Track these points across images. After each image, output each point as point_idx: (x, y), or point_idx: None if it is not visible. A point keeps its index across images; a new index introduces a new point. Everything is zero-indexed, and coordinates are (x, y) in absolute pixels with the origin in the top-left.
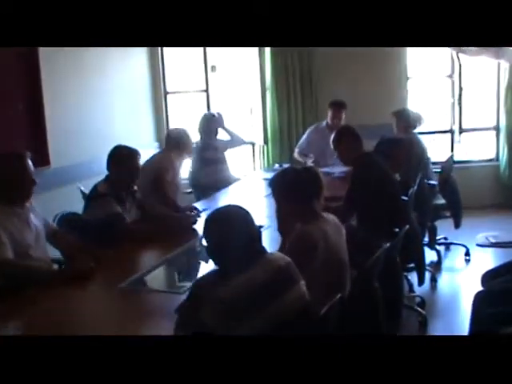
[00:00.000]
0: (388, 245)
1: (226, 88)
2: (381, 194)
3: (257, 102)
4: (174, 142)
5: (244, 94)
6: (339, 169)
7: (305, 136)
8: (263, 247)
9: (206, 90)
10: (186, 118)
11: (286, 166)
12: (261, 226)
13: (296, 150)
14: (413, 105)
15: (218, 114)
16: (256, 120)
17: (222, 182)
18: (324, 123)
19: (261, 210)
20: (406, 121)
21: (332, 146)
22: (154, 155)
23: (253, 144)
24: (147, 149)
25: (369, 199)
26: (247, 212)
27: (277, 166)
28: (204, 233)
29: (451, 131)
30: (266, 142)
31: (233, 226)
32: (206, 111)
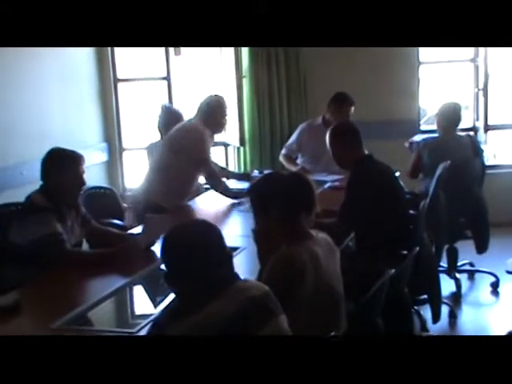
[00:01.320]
0: (393, 272)
1: (192, 75)
2: (384, 207)
3: (231, 94)
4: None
5: (215, 83)
6: (335, 177)
7: (295, 135)
8: (235, 274)
9: (167, 78)
10: (141, 112)
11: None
12: (233, 248)
13: (282, 152)
14: (426, 97)
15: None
16: (230, 115)
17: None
18: (320, 119)
19: (234, 227)
20: (447, 119)
21: (332, 148)
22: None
23: (225, 145)
24: (92, 151)
25: (369, 214)
26: (216, 229)
27: (256, 173)
28: (161, 255)
29: (474, 129)
30: (242, 143)
31: (196, 246)
32: (167, 103)
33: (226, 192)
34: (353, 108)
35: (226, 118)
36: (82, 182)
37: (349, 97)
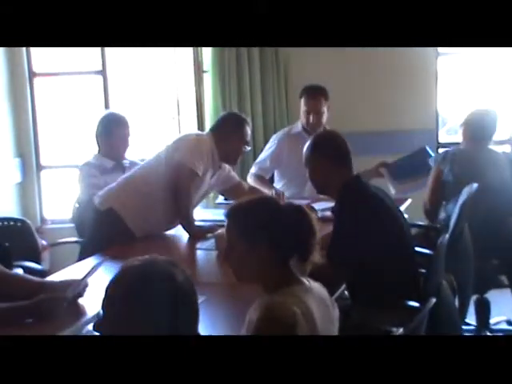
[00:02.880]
0: (401, 331)
1: (134, 69)
2: (381, 244)
3: (188, 93)
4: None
5: (166, 79)
6: (325, 204)
7: (268, 148)
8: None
9: (103, 72)
10: (67, 117)
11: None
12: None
13: (252, 171)
14: (446, 96)
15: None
16: (186, 122)
17: None
18: (299, 126)
19: (198, 269)
20: (475, 128)
21: (308, 166)
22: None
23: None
24: (1, 170)
25: (361, 254)
26: (181, 271)
27: (221, 199)
28: (103, 306)
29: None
30: None
31: (151, 294)
32: (109, 109)
33: (188, 225)
34: (325, 103)
35: (244, 147)
36: None
37: (318, 88)
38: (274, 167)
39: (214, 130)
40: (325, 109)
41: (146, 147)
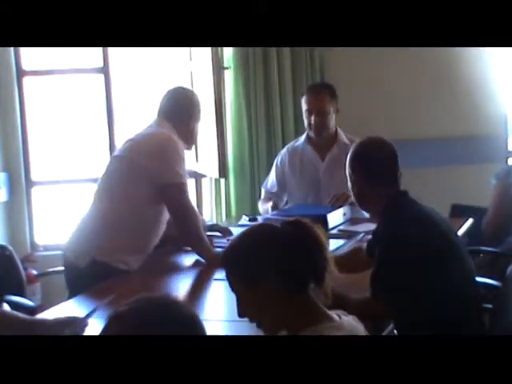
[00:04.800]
0: None
1: (142, 66)
2: (437, 273)
3: (205, 94)
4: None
5: (179, 77)
6: (359, 226)
7: (273, 169)
8: None
9: (105, 69)
10: (62, 124)
11: (262, 219)
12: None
13: (262, 197)
14: None
15: None
16: (205, 126)
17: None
18: (302, 137)
19: (212, 307)
20: None
21: (348, 179)
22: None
23: (197, 177)
24: None
25: (412, 284)
26: (191, 316)
27: (245, 219)
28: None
29: None
30: (222, 173)
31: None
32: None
33: (203, 249)
34: (330, 101)
35: (198, 123)
36: None
37: (324, 83)
38: (281, 190)
39: (167, 114)
40: (331, 109)
41: None
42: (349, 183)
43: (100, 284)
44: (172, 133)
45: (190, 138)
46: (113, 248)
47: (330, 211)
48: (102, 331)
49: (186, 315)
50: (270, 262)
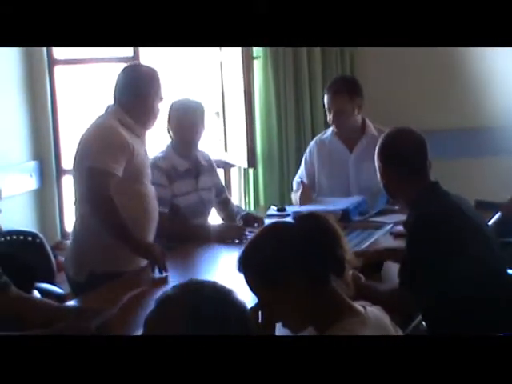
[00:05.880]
0: None
1: (171, 55)
2: (468, 265)
3: (234, 84)
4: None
5: (208, 67)
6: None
7: (303, 161)
8: None
9: (134, 58)
10: (92, 111)
11: (292, 208)
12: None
13: (294, 187)
14: None
15: None
16: (233, 117)
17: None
18: (330, 130)
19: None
20: None
21: (377, 170)
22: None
23: (226, 167)
24: (14, 173)
25: (442, 276)
26: (240, 303)
27: (273, 209)
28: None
29: None
30: (252, 163)
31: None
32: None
33: (128, 239)
34: (350, 99)
35: (155, 101)
36: None
37: (345, 79)
38: (311, 182)
39: (115, 97)
40: (350, 108)
41: None
42: (378, 174)
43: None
44: (116, 120)
45: (143, 117)
46: (107, 254)
47: (355, 204)
48: (151, 313)
49: (236, 301)
50: (289, 260)
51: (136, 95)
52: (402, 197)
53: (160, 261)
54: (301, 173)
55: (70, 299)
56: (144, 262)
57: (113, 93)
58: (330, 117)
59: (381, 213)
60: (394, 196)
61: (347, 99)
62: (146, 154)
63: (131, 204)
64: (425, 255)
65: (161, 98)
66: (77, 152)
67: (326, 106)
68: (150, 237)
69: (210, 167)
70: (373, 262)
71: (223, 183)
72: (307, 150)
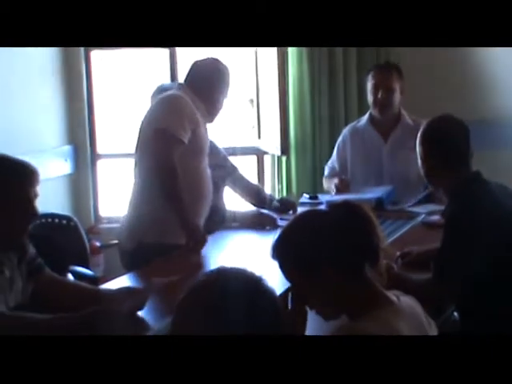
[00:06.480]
0: None
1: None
2: (508, 257)
3: (268, 74)
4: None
5: (242, 57)
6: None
7: (336, 147)
8: None
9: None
10: (128, 98)
11: (324, 197)
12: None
13: (325, 174)
14: None
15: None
16: (267, 107)
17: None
18: (365, 118)
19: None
20: None
21: (418, 157)
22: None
23: (259, 154)
24: (49, 158)
25: (480, 267)
26: (270, 290)
27: (305, 197)
28: (176, 321)
29: None
30: (284, 150)
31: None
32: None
33: (178, 209)
34: (397, 79)
35: (223, 96)
36: (33, 212)
37: (392, 63)
38: (343, 168)
39: (189, 82)
40: (397, 87)
41: (220, 137)
42: (419, 161)
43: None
44: (187, 97)
45: (210, 109)
46: (157, 225)
47: (388, 193)
48: (182, 301)
49: (266, 288)
50: (323, 248)
51: (210, 85)
52: (444, 185)
53: (199, 245)
54: (332, 159)
55: (104, 282)
56: None
57: (186, 77)
58: (376, 93)
59: (416, 203)
60: (434, 184)
61: (396, 77)
62: (207, 133)
63: (188, 180)
64: (465, 246)
65: (226, 96)
66: (144, 118)
67: (372, 83)
68: (201, 217)
69: None
70: (417, 262)
71: (257, 170)
72: (340, 137)
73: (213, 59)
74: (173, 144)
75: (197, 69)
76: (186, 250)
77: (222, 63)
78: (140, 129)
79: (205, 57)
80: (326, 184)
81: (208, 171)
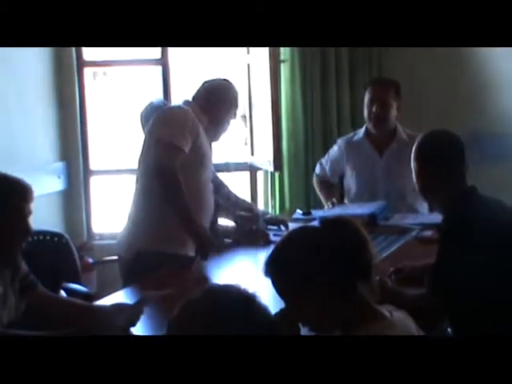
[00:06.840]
0: None
1: (198, 57)
2: (504, 274)
3: (261, 87)
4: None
5: (235, 69)
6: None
7: (332, 150)
8: None
9: (163, 60)
10: (121, 114)
11: (317, 213)
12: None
13: (316, 170)
14: None
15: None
16: (260, 123)
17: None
18: (361, 132)
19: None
20: None
21: (413, 172)
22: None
23: (252, 170)
24: (41, 175)
25: (475, 284)
26: (264, 308)
27: (299, 212)
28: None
29: None
30: (277, 166)
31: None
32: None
33: (183, 214)
34: (394, 95)
35: (230, 116)
36: (27, 229)
37: (390, 79)
38: (333, 174)
39: (197, 98)
40: (394, 103)
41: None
42: (414, 176)
43: (156, 273)
44: (193, 112)
45: (216, 127)
46: (158, 233)
47: (381, 208)
48: (174, 318)
49: (260, 305)
50: (316, 264)
51: (218, 104)
52: (439, 200)
53: (206, 248)
54: (325, 159)
55: (97, 299)
56: (190, 251)
57: (194, 95)
58: (372, 108)
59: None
60: (430, 199)
61: (393, 94)
62: (211, 149)
63: (189, 193)
64: (460, 261)
65: (234, 116)
66: (147, 132)
67: (369, 97)
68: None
69: None
70: (411, 278)
71: (250, 187)
72: (335, 146)
73: (223, 80)
74: (173, 152)
75: (207, 87)
76: (196, 257)
77: (231, 84)
78: (143, 141)
79: (214, 77)
80: (316, 186)
81: (210, 185)
